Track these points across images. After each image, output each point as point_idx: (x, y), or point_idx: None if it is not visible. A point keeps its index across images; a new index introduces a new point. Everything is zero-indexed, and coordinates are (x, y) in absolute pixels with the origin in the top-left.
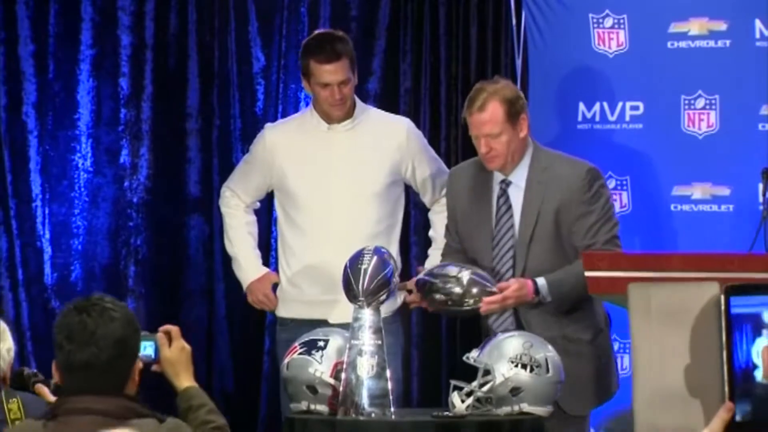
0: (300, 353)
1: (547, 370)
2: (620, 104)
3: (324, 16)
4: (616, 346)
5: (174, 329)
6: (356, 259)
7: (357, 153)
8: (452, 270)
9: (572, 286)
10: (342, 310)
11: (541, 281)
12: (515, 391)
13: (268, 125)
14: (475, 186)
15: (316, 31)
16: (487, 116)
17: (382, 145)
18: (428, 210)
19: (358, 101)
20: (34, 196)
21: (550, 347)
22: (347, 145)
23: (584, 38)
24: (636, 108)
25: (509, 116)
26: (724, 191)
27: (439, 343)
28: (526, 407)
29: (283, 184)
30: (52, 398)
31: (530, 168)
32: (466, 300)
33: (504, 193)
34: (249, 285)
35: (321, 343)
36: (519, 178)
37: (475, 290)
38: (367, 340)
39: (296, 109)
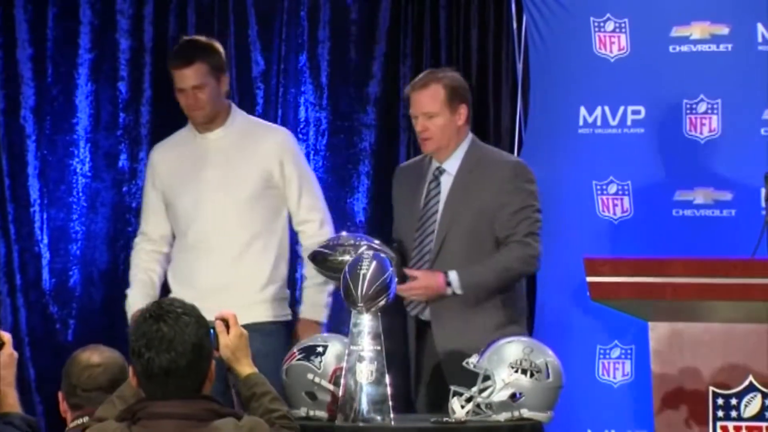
0: (298, 359)
1: (548, 376)
2: (621, 108)
3: (324, 19)
4: (617, 352)
5: (231, 315)
6: (355, 264)
7: (228, 161)
8: (348, 239)
9: (486, 279)
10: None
11: (452, 274)
12: (515, 396)
13: (155, 146)
14: (414, 176)
15: (182, 39)
16: (427, 95)
17: (256, 152)
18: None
19: (237, 110)
20: (32, 201)
21: (550, 352)
22: (219, 154)
23: (585, 42)
24: (637, 112)
25: (448, 100)
26: (726, 196)
27: None
28: (526, 413)
29: (165, 198)
30: None
31: (464, 158)
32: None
33: (436, 179)
34: (130, 316)
35: (320, 349)
36: (452, 166)
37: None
38: (366, 345)
39: (296, 114)
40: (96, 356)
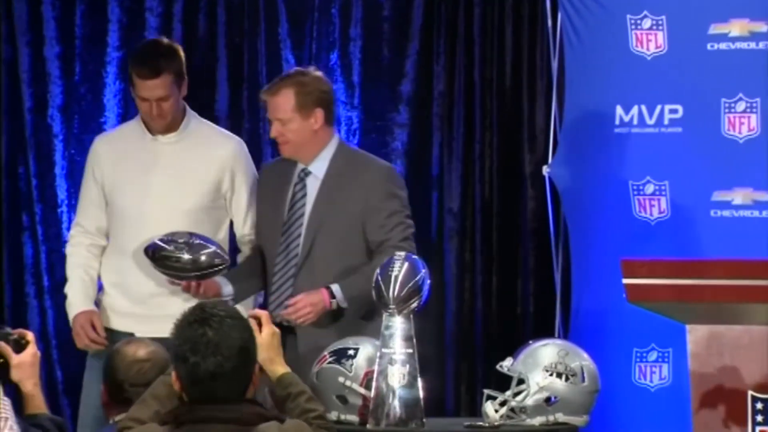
0: (329, 362)
1: (583, 379)
2: (659, 107)
3: (356, 17)
4: (654, 355)
5: (263, 314)
6: (387, 266)
7: (178, 167)
8: (182, 235)
9: (367, 288)
10: (151, 324)
11: (335, 287)
12: (550, 400)
13: (97, 137)
14: (277, 178)
15: (147, 40)
16: (278, 101)
17: (206, 161)
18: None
19: (192, 114)
20: (60, 202)
21: (585, 355)
22: (169, 159)
23: (622, 40)
24: (675, 111)
25: (300, 106)
26: (766, 196)
27: (473, 352)
28: (561, 417)
29: (108, 197)
30: (14, 358)
31: (331, 161)
32: (197, 265)
33: (301, 181)
34: (72, 318)
35: (351, 352)
36: (318, 169)
37: (204, 257)
38: (398, 348)
39: None
40: (142, 350)
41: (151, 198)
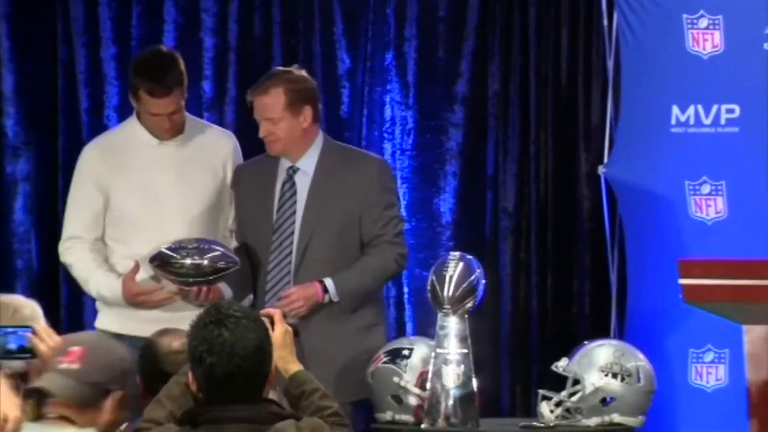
0: (384, 362)
1: (639, 380)
2: (715, 107)
3: (411, 17)
4: (711, 356)
5: (276, 312)
6: (441, 265)
7: (187, 171)
8: (191, 242)
9: (363, 283)
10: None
11: (329, 281)
12: (606, 401)
13: (89, 143)
14: (260, 175)
15: (149, 50)
16: (268, 100)
17: (211, 161)
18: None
19: (189, 116)
20: None
21: (641, 356)
22: (177, 163)
23: (678, 39)
24: (732, 111)
25: (290, 104)
26: None
27: (528, 352)
28: (617, 418)
29: (109, 202)
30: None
31: (320, 156)
32: (201, 270)
33: (290, 179)
34: (123, 297)
35: (406, 352)
36: (307, 165)
37: (206, 261)
38: (453, 348)
39: (382, 113)
40: (177, 342)
41: (163, 203)
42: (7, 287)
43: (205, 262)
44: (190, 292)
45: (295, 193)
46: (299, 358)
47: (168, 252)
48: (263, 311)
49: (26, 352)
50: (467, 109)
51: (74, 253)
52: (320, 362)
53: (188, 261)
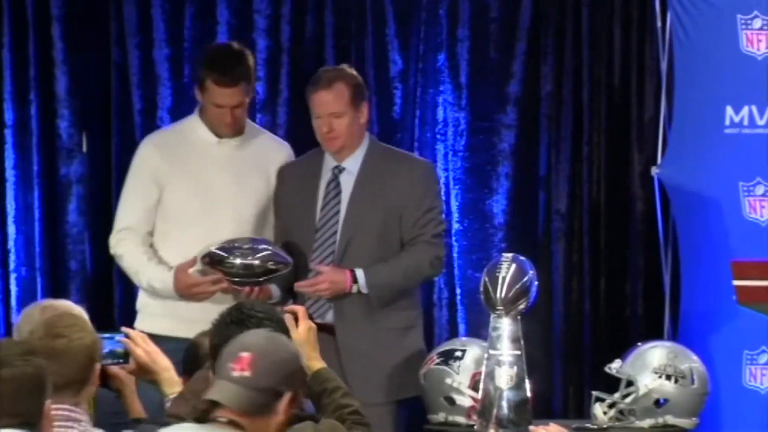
0: (437, 363)
1: (693, 381)
2: None
3: (463, 17)
4: (765, 358)
5: (300, 309)
6: (494, 266)
7: (244, 173)
8: (245, 241)
9: (392, 278)
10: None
11: (359, 272)
12: (659, 402)
13: (147, 137)
14: (304, 175)
15: (219, 43)
16: (333, 95)
17: (265, 168)
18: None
19: (248, 121)
20: None
21: (695, 357)
22: (235, 163)
23: (732, 40)
24: None
25: (353, 98)
26: None
27: (581, 353)
28: (670, 419)
29: (163, 196)
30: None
31: (365, 156)
32: (252, 270)
33: (335, 178)
34: (175, 289)
35: (458, 353)
36: (353, 165)
37: (257, 262)
38: (505, 350)
39: (434, 114)
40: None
41: (216, 202)
42: (61, 289)
43: (257, 262)
44: (241, 291)
45: (339, 192)
46: (335, 356)
47: (220, 252)
48: (288, 308)
49: (121, 357)
50: (520, 110)
51: (126, 244)
52: (357, 361)
53: (239, 261)
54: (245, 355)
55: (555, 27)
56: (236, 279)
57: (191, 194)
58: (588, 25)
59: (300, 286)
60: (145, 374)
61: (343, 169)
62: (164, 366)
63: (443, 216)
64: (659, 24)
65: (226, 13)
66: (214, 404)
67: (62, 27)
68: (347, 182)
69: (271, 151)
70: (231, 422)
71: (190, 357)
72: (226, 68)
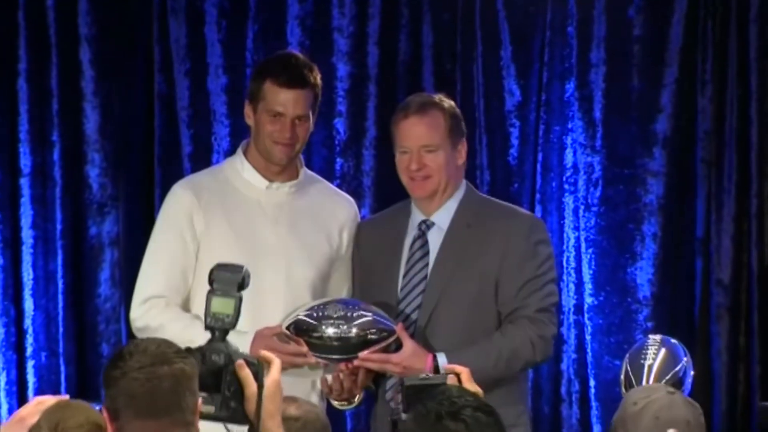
0: None
1: None
2: None
3: (598, 35)
4: None
5: (274, 359)
6: (638, 351)
7: (298, 227)
8: (337, 308)
9: (482, 367)
10: None
11: (441, 358)
12: None
13: (179, 182)
14: (386, 233)
15: (281, 52)
16: (427, 123)
17: (326, 224)
18: None
19: (305, 167)
20: None
21: None
22: (288, 214)
23: None
24: None
25: (451, 131)
26: None
27: None
28: None
29: (199, 255)
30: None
31: (458, 209)
32: (347, 342)
33: (422, 235)
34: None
35: None
36: (443, 219)
37: (354, 330)
38: None
39: (561, 158)
40: (293, 408)
41: (263, 259)
42: (92, 379)
43: (353, 331)
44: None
45: (427, 253)
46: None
47: (307, 319)
48: (263, 353)
49: None
50: (670, 154)
51: (160, 313)
52: None
53: (331, 331)
54: None
55: (715, 48)
56: (329, 355)
57: (234, 251)
58: (756, 46)
59: (366, 358)
60: None
61: (432, 224)
62: None
63: (554, 285)
64: None
65: (297, 31)
66: None
67: (93, 51)
68: (436, 240)
69: (334, 206)
70: None
71: None
72: (289, 66)
